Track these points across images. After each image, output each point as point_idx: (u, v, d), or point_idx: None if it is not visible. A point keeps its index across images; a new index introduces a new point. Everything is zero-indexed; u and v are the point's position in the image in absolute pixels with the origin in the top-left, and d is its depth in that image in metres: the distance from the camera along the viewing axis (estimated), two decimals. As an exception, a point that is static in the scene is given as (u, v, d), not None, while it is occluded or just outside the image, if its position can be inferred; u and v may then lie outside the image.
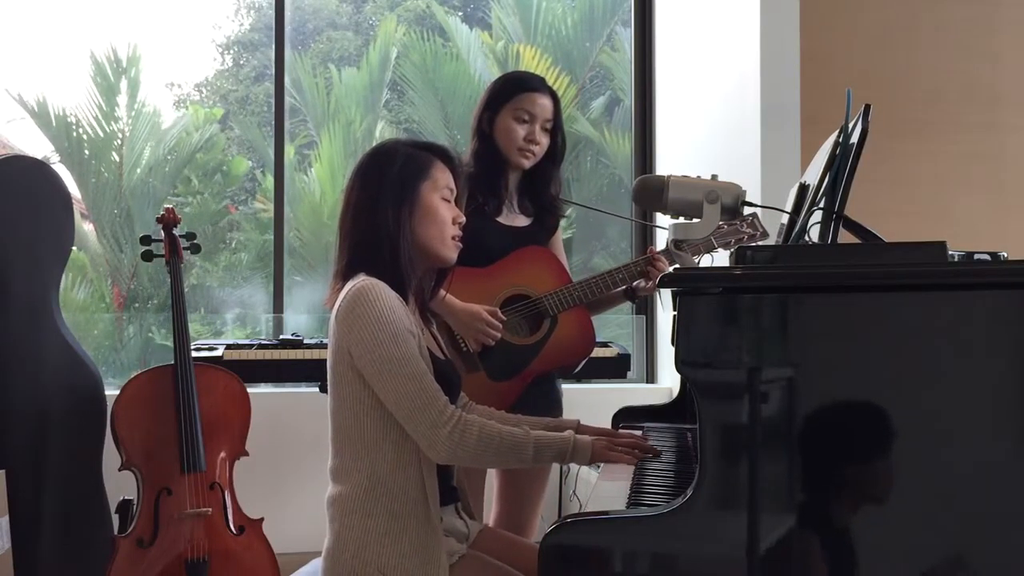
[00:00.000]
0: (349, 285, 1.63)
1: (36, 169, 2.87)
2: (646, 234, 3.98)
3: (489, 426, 1.59)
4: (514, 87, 2.31)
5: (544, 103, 2.29)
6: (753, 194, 2.59)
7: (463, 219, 1.77)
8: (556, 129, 2.33)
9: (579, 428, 1.83)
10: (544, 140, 2.31)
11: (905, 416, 1.25)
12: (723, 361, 1.28)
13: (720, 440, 1.27)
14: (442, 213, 1.72)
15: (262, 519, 2.67)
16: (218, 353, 2.84)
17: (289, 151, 4.07)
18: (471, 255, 1.91)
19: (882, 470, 1.26)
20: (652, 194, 1.74)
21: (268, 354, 2.88)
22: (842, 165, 1.51)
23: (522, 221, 2.37)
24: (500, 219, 2.32)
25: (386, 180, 1.69)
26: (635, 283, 2.32)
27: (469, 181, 2.03)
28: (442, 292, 1.95)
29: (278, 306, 3.82)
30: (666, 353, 3.90)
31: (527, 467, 1.65)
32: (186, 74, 4.49)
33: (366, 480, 1.59)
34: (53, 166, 3.31)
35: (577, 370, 2.44)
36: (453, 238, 1.75)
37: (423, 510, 1.60)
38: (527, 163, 2.31)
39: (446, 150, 1.79)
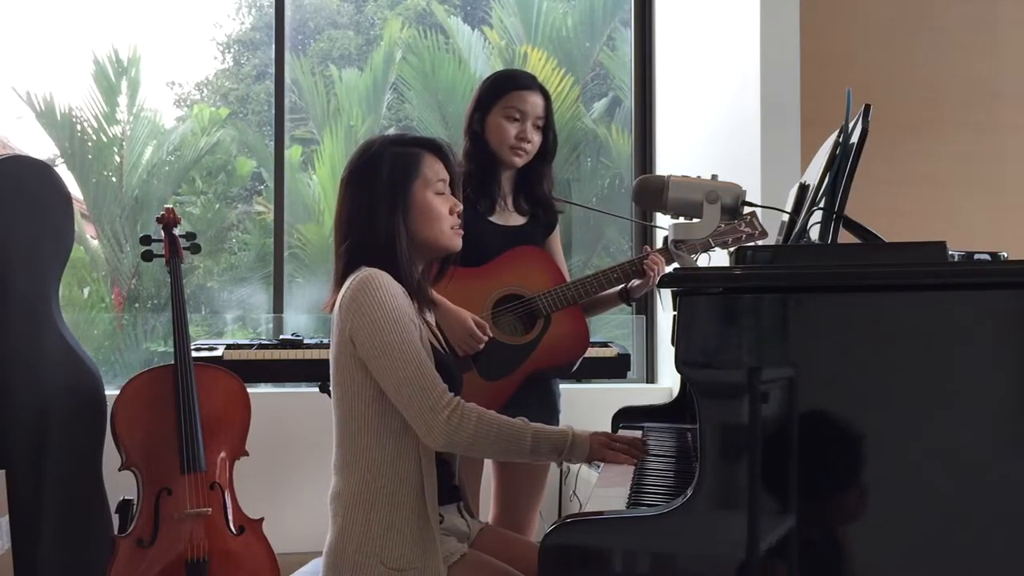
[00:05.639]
0: (352, 277, 1.63)
1: (37, 169, 2.86)
2: (646, 234, 3.98)
3: (488, 414, 1.59)
4: (504, 85, 2.30)
5: (535, 101, 2.28)
6: (753, 194, 2.59)
7: (460, 207, 1.77)
8: (547, 127, 2.31)
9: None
10: (536, 138, 2.29)
11: (905, 416, 1.25)
12: (723, 361, 1.28)
13: (720, 440, 1.27)
14: (437, 208, 1.72)
15: (262, 519, 2.67)
16: (218, 353, 2.84)
17: (294, 152, 4.07)
18: (465, 255, 1.89)
19: (881, 470, 1.26)
20: (652, 194, 1.74)
21: (268, 354, 2.88)
22: (842, 165, 1.51)
23: (516, 220, 2.36)
24: (493, 218, 2.31)
25: (377, 186, 1.68)
26: (629, 283, 2.30)
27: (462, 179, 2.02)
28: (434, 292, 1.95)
29: (278, 306, 3.82)
30: (666, 353, 3.89)
31: (525, 460, 1.65)
32: (187, 73, 4.49)
33: (367, 472, 1.60)
34: (56, 167, 3.31)
35: (574, 370, 2.43)
36: (453, 227, 1.74)
37: (421, 502, 1.61)
38: (519, 161, 2.29)
39: (432, 140, 1.77)
